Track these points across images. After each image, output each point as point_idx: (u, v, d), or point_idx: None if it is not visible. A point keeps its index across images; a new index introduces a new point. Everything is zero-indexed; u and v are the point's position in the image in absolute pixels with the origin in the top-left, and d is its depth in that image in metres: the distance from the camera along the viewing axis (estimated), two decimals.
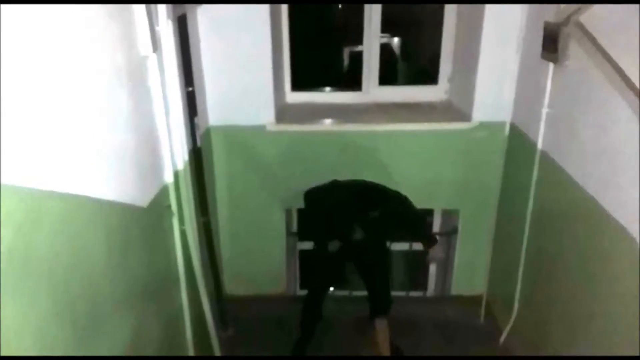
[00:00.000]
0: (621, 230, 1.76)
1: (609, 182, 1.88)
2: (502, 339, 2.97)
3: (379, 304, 2.76)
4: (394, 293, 3.56)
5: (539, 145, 2.46)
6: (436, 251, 2.63)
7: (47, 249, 1.20)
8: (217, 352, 2.73)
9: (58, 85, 1.25)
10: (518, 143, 2.79)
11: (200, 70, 2.73)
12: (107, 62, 1.57)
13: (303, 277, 3.66)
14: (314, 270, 2.96)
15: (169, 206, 2.12)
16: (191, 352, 2.37)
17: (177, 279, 2.25)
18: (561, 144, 2.28)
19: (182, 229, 2.22)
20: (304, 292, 3.14)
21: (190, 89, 2.37)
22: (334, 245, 2.68)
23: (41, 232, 1.17)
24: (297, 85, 3.33)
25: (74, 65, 1.34)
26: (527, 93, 2.66)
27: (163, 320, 2.11)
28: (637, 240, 1.65)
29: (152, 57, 1.87)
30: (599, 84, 1.89)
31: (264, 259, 3.35)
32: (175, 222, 2.17)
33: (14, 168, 1.05)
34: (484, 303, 3.31)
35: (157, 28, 1.90)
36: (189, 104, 2.36)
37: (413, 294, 3.66)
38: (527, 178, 2.56)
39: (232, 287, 3.33)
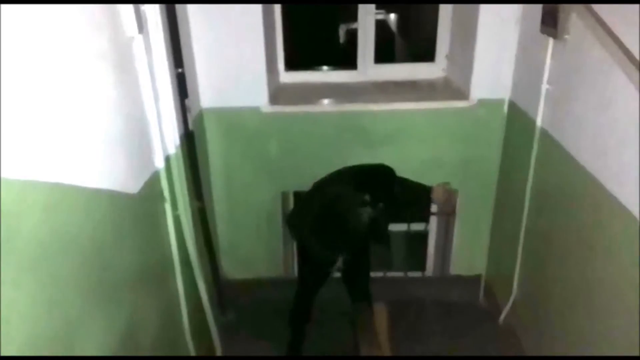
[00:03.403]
0: (620, 207, 1.72)
1: (608, 159, 1.83)
2: (501, 318, 2.98)
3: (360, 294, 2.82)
4: (392, 274, 3.60)
5: (539, 122, 2.41)
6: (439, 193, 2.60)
7: (32, 239, 1.17)
8: (215, 337, 2.73)
9: (38, 71, 1.20)
10: (517, 121, 2.74)
11: (191, 50, 2.65)
12: (91, 44, 1.51)
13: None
14: (307, 273, 2.83)
15: (162, 192, 2.08)
16: (188, 337, 2.36)
17: (172, 265, 2.23)
18: (561, 121, 2.23)
19: (176, 215, 2.19)
20: None
21: (180, 70, 2.29)
22: (341, 262, 2.63)
23: (25, 222, 1.14)
24: (291, 65, 3.25)
25: (55, 48, 1.28)
26: (526, 69, 2.60)
27: (159, 306, 2.09)
28: (637, 217, 1.62)
29: (139, 39, 1.82)
30: (599, 59, 1.84)
31: (261, 242, 3.32)
32: (168, 208, 2.13)
33: None
34: (483, 283, 3.31)
35: (142, 8, 1.84)
36: (179, 86, 2.30)
37: (412, 274, 3.64)
38: (526, 156, 2.52)
39: (231, 271, 3.31)
